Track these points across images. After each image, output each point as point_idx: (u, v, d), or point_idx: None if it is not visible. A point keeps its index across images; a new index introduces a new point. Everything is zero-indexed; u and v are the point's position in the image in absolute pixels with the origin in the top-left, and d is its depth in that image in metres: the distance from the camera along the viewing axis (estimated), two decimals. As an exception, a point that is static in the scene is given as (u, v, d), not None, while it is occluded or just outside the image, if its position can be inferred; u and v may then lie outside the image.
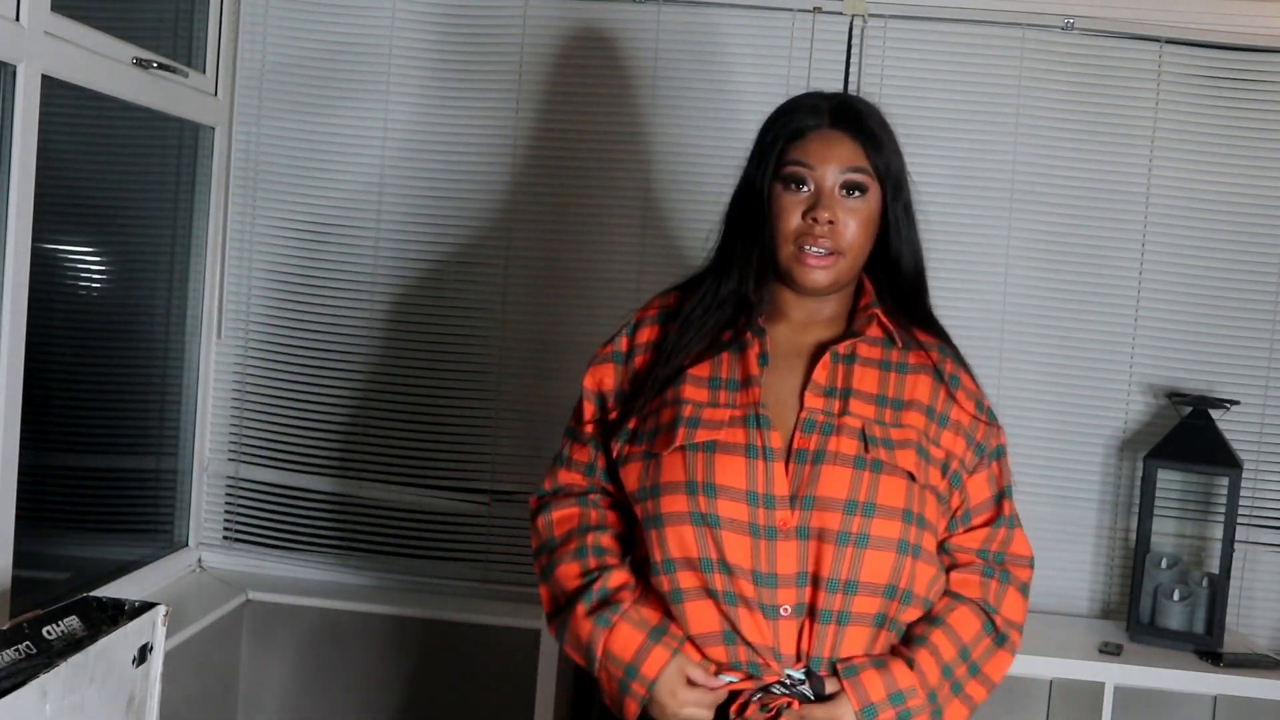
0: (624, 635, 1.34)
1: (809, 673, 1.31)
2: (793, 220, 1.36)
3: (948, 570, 1.41)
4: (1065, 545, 2.42)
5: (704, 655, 1.33)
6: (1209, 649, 2.21)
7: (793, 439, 1.33)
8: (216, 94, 2.46)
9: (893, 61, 2.40)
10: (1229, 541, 2.25)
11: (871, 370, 1.38)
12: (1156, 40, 2.37)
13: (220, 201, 2.50)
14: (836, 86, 2.37)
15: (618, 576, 1.39)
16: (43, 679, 1.19)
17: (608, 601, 1.37)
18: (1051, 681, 2.14)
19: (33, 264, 1.85)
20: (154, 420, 2.45)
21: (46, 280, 2.00)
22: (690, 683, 1.32)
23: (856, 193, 1.36)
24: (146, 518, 2.46)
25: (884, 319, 1.41)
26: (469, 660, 2.42)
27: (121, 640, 1.36)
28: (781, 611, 1.29)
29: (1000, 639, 1.40)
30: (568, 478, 1.50)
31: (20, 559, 1.88)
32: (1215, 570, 2.26)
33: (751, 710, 1.31)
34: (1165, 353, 2.41)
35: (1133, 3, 2.38)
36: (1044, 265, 2.42)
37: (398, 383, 2.49)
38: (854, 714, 1.29)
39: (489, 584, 2.49)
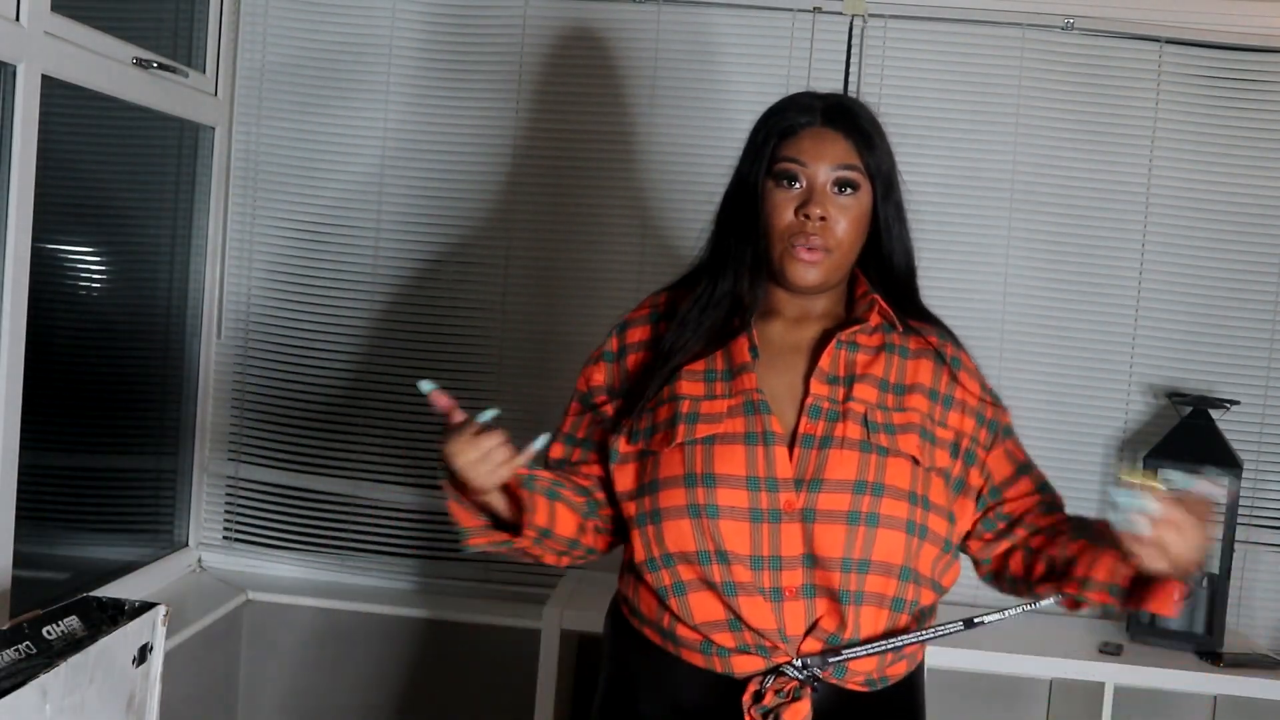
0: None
1: (825, 652, 1.31)
2: (785, 216, 1.36)
3: (1011, 525, 1.40)
4: (1065, 545, 2.42)
5: (712, 642, 1.33)
6: (1209, 649, 2.21)
7: (798, 424, 1.33)
8: (216, 94, 2.46)
9: (893, 61, 2.40)
10: (1229, 541, 2.25)
11: (874, 356, 1.39)
12: (1156, 40, 2.37)
13: (220, 201, 2.50)
14: (836, 87, 2.37)
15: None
16: (43, 679, 1.19)
17: None
18: (1051, 681, 2.14)
19: (33, 264, 1.85)
20: (154, 420, 2.45)
21: (47, 280, 2.00)
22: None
23: (848, 190, 1.36)
24: (146, 518, 2.46)
25: (883, 305, 1.42)
26: (469, 660, 2.42)
27: (121, 640, 1.36)
28: (786, 594, 1.30)
29: None
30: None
31: (20, 559, 1.88)
32: (1215, 570, 2.26)
33: (769, 697, 1.31)
34: (1165, 353, 2.41)
35: (1133, 3, 2.38)
36: (1044, 265, 2.42)
37: (398, 382, 2.49)
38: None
39: (489, 584, 2.49)
